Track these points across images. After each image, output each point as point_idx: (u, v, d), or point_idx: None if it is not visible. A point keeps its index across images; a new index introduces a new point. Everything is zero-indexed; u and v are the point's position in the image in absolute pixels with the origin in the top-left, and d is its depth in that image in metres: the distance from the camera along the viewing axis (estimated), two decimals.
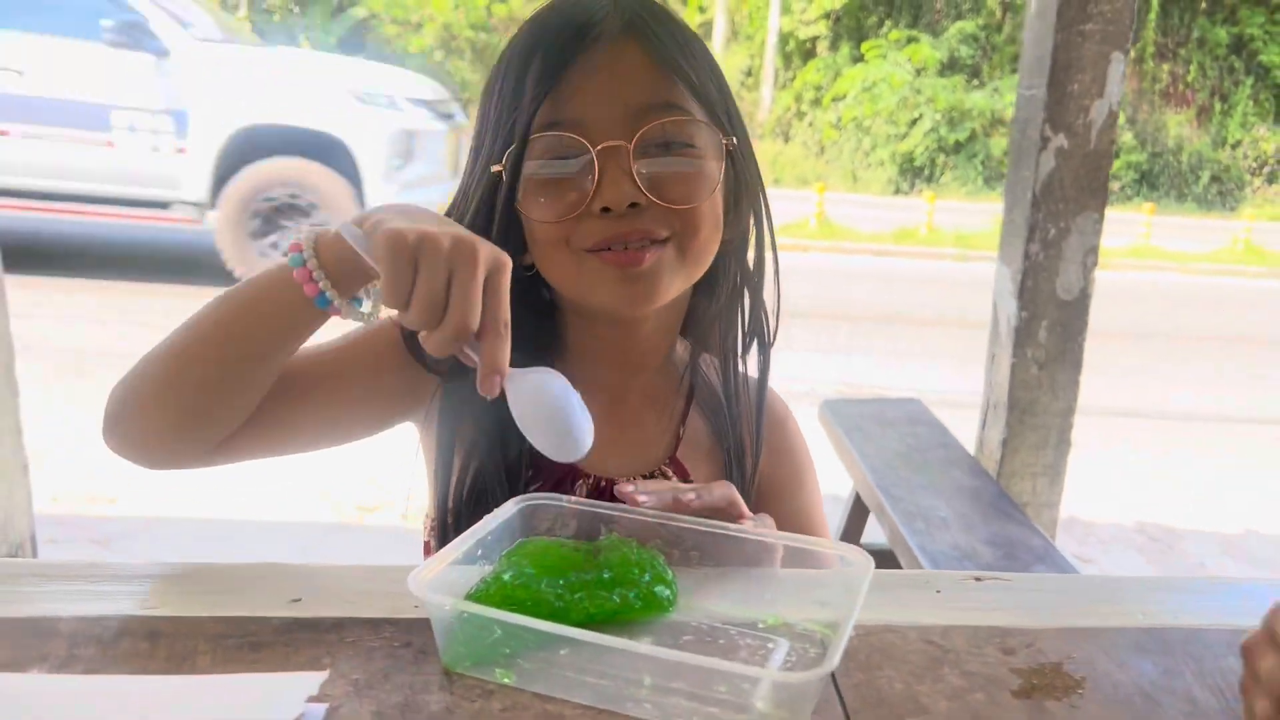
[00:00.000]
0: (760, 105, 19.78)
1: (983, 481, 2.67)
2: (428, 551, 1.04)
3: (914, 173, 18.58)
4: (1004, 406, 2.98)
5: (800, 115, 19.62)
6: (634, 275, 0.88)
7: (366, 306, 0.82)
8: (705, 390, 1.04)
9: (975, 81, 19.13)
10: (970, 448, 2.98)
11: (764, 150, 17.72)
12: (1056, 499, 3.06)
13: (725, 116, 0.92)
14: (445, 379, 0.95)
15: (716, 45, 18.89)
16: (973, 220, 13.55)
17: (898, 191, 18.20)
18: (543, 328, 0.98)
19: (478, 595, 0.69)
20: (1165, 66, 18.97)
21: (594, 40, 0.86)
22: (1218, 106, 18.83)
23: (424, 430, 1.02)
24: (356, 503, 3.72)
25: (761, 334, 1.01)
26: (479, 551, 0.75)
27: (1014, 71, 18.92)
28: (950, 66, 19.01)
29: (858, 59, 19.22)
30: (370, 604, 0.73)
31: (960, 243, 12.59)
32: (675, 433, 1.02)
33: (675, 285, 0.92)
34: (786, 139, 19.49)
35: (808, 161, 18.77)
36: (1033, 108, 2.85)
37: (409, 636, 0.69)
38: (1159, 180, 18.33)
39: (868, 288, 9.01)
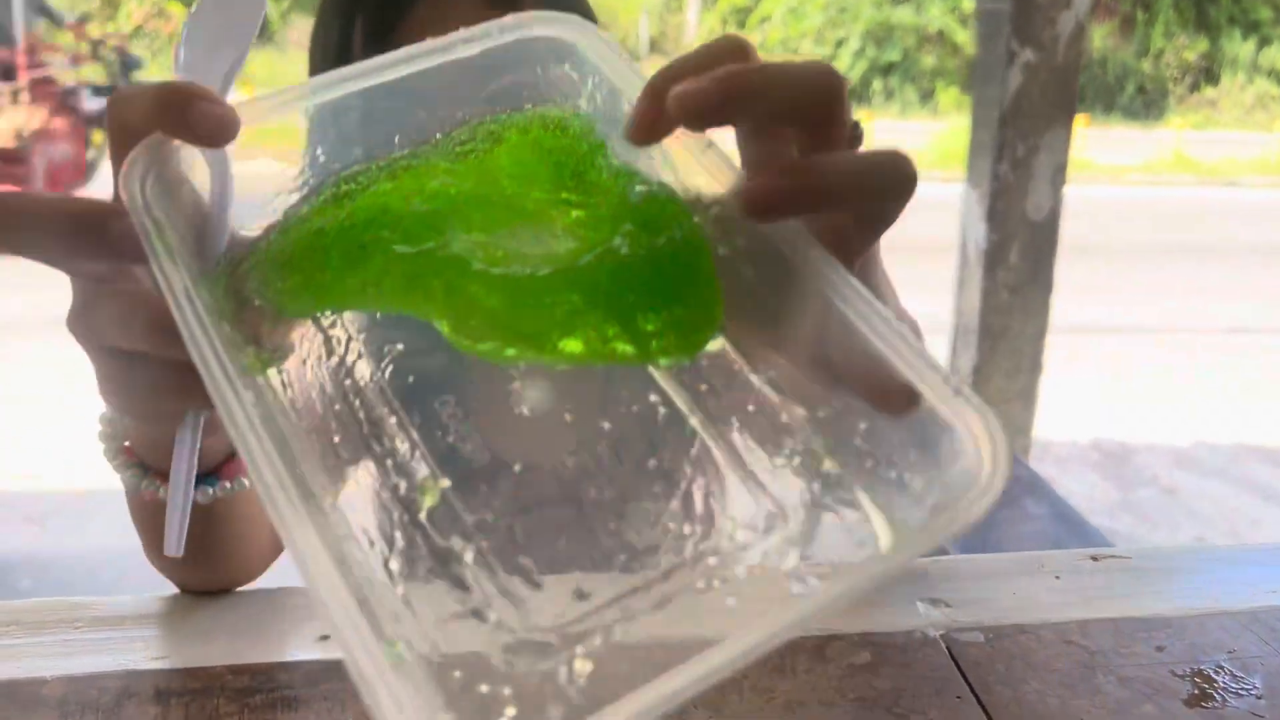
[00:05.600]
0: (685, 29, 19.44)
1: None
2: None
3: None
4: (974, 332, 2.93)
5: None
6: None
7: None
8: None
9: None
10: None
11: None
12: (1029, 424, 3.04)
13: None
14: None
15: None
16: (909, 138, 13.52)
17: None
18: None
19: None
20: None
21: None
22: (1140, 16, 18.95)
23: None
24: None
25: None
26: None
27: None
28: None
29: None
30: None
31: None
32: None
33: None
34: None
35: None
36: (997, 22, 2.75)
37: None
38: (1085, 92, 18.45)
39: None
